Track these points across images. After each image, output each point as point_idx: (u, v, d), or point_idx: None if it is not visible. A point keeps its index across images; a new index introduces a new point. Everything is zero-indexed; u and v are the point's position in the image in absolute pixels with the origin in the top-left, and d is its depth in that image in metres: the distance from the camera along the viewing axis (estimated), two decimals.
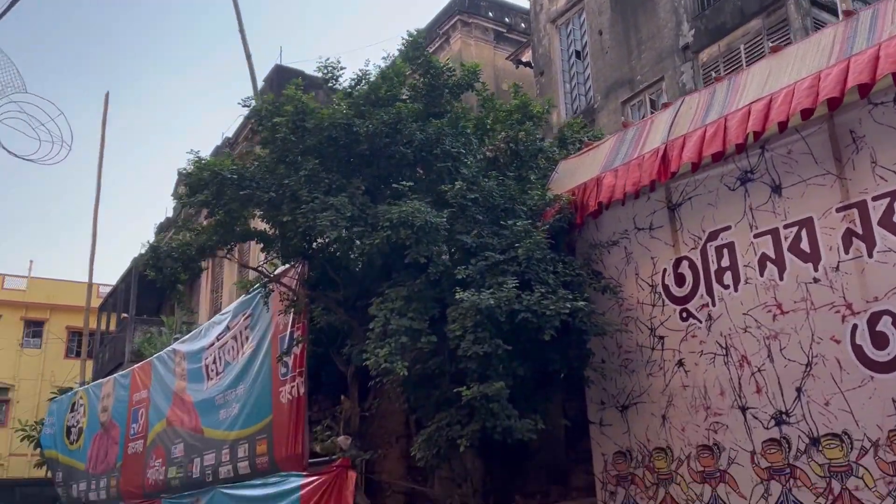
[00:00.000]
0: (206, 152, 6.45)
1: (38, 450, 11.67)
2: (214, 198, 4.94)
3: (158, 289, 22.55)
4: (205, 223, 6.61)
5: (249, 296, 6.55)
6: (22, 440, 13.63)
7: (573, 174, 4.81)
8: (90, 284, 15.76)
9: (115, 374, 9.93)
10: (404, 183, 4.36)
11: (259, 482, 6.03)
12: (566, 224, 4.55)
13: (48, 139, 8.19)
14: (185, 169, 5.39)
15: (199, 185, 5.06)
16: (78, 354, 35.35)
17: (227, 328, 6.88)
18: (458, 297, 3.89)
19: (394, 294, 4.29)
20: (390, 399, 5.46)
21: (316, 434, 5.14)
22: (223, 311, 7.32)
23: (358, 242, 4.32)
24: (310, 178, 4.61)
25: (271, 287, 5.69)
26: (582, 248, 4.72)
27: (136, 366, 9.37)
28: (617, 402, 4.53)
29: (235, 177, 4.82)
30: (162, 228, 25.03)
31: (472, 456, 5.35)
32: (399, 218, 4.12)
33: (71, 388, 12.22)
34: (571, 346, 4.28)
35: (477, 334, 3.87)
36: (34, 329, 35.13)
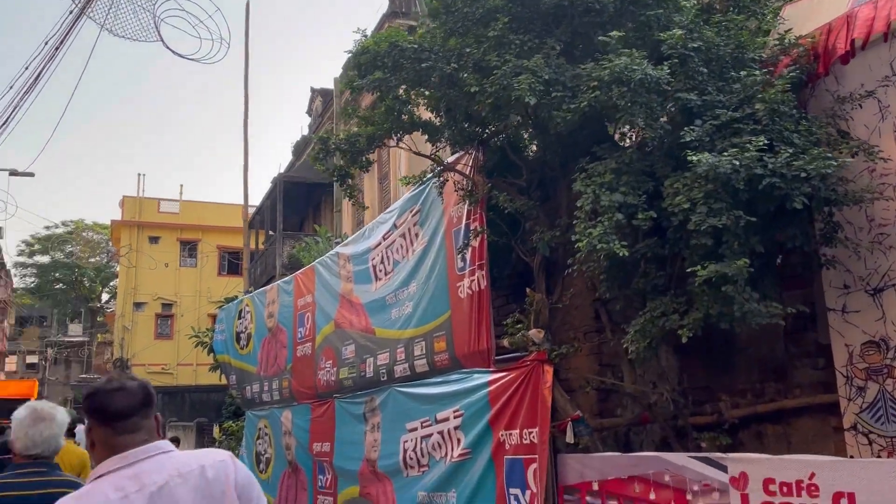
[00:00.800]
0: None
1: (212, 355, 12.34)
2: (391, 73, 4.56)
3: (300, 205, 23.12)
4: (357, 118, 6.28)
5: (417, 191, 6.24)
6: (196, 346, 14.55)
7: (807, 18, 4.02)
8: (246, 196, 16.18)
9: (277, 282, 10.13)
10: (613, 33, 3.77)
11: (439, 380, 5.85)
12: (804, 76, 3.81)
13: (207, 37, 8.12)
14: (358, 45, 5.01)
15: (374, 61, 4.68)
16: (230, 271, 37.69)
17: (394, 226, 6.65)
18: (692, 159, 3.32)
19: (601, 168, 3.79)
20: (578, 290, 5.05)
21: (506, 327, 4.81)
22: (388, 210, 7.08)
23: (555, 112, 3.82)
24: (498, 41, 4.11)
25: (445, 177, 5.33)
26: (822, 104, 3.97)
27: (298, 272, 9.48)
28: (867, 284, 3.85)
29: (415, 46, 4.40)
30: (298, 147, 25.57)
31: (666, 351, 4.89)
32: (610, 75, 3.56)
33: (236, 297, 12.73)
34: (813, 220, 3.65)
35: (710, 205, 3.31)
36: (189, 249, 37.63)
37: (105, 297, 57.07)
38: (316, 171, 22.07)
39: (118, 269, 50.17)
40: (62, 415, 3.09)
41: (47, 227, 51.39)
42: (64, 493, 2.70)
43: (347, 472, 7.36)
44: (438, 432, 5.72)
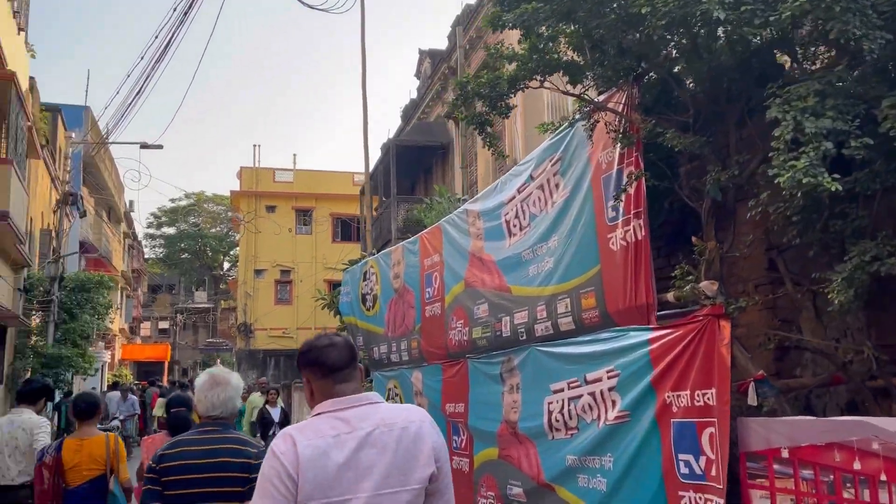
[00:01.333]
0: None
1: (338, 316, 12.49)
2: (544, 2, 4.17)
3: (411, 169, 23.02)
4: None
5: (556, 139, 5.83)
6: (322, 308, 14.83)
7: None
8: (366, 152, 16.14)
9: (402, 242, 10.01)
10: None
11: (587, 338, 5.48)
12: None
13: None
14: None
15: None
16: (343, 238, 38.55)
17: (531, 178, 6.27)
18: None
19: (802, 90, 3.26)
20: (754, 238, 4.53)
21: (675, 280, 4.37)
22: (523, 161, 6.70)
23: (746, 29, 3.32)
24: None
25: (595, 118, 4.90)
26: None
27: (423, 231, 9.30)
28: None
29: None
30: (407, 112, 25.51)
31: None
32: None
33: (361, 258, 12.79)
34: None
35: None
36: (304, 217, 38.72)
37: (226, 265, 60.03)
38: (426, 134, 21.96)
39: (238, 238, 52.58)
40: (236, 379, 3.39)
41: (172, 200, 54.40)
42: (234, 450, 3.17)
43: (484, 433, 7.17)
44: (589, 393, 5.37)
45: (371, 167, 24.34)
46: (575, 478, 5.62)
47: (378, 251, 20.27)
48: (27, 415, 5.66)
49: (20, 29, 15.45)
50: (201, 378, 3.40)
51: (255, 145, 64.21)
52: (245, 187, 37.52)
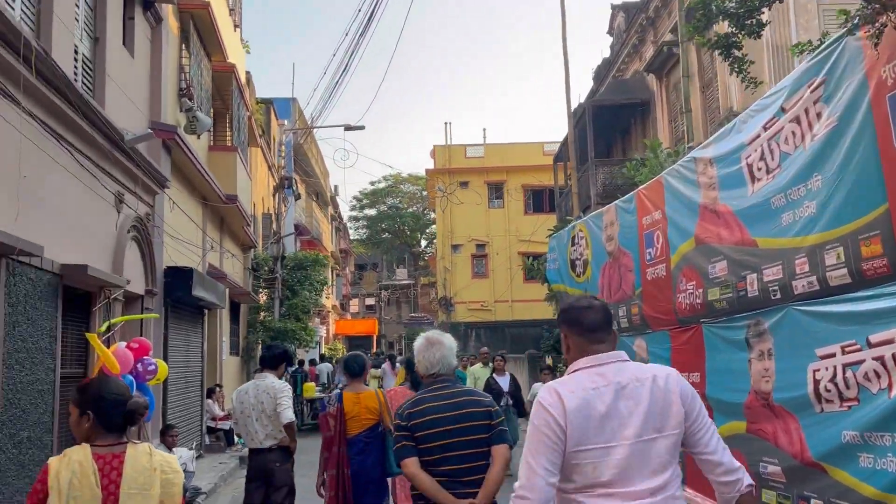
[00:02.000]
0: None
1: (546, 284, 12.14)
2: None
3: (607, 132, 21.93)
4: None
5: (815, 60, 4.93)
6: (530, 277, 14.59)
7: None
8: (569, 110, 15.62)
9: (615, 202, 9.38)
10: None
11: (869, 293, 4.59)
12: None
13: None
14: None
15: None
16: (535, 209, 38.18)
17: (781, 111, 5.40)
18: None
19: None
20: None
21: None
22: (766, 95, 5.81)
23: None
24: None
25: (882, 21, 4.00)
26: None
27: (640, 188, 8.60)
28: None
29: None
30: (599, 73, 24.43)
31: None
32: None
33: (567, 224, 12.31)
34: None
35: None
36: (496, 191, 38.83)
37: (423, 242, 62.23)
38: (623, 92, 20.85)
39: (433, 216, 54.18)
40: (449, 339, 3.76)
41: (371, 184, 57.24)
42: (475, 400, 3.49)
43: (727, 405, 6.42)
44: (874, 358, 4.50)
45: (563, 135, 23.65)
46: (854, 457, 4.77)
47: (578, 218, 19.66)
48: (270, 380, 5.88)
49: (235, 25, 16.64)
50: (418, 341, 3.80)
51: (446, 123, 65.62)
52: (439, 165, 38.32)
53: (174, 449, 8.90)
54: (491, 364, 12.52)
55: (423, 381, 3.73)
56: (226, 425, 13.92)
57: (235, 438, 14.04)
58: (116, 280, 8.16)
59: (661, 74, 18.28)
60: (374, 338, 50.34)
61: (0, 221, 5.70)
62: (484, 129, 72.03)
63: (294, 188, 19.76)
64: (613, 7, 23.65)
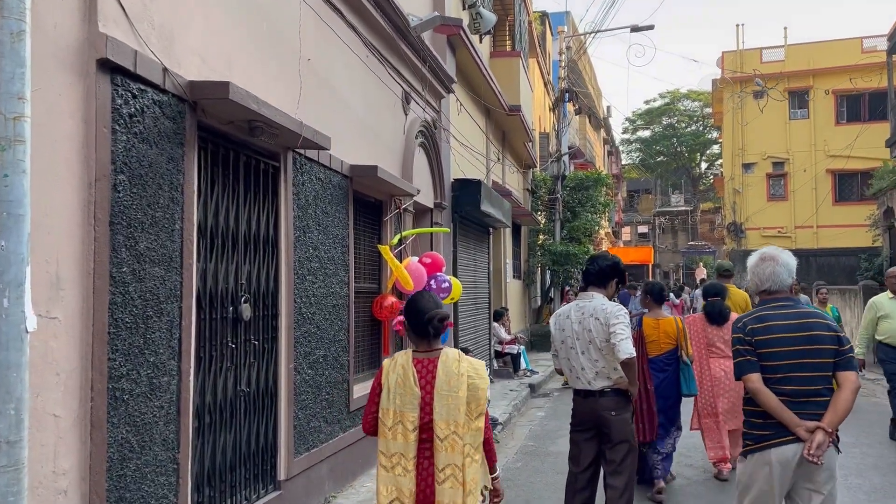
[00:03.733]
0: None
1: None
2: None
3: None
4: None
5: None
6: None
7: None
8: None
9: None
10: None
11: None
12: None
13: None
14: None
15: None
16: (850, 119, 32.38)
17: None
18: None
19: None
20: None
21: None
22: None
23: None
24: None
25: None
26: None
27: None
28: None
29: None
30: None
31: None
32: None
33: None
34: None
35: None
36: (798, 100, 33.60)
37: (704, 165, 57.12)
38: None
39: (716, 135, 49.01)
40: (786, 256, 3.58)
41: (646, 102, 53.37)
42: (823, 323, 3.37)
43: None
44: None
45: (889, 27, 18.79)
46: None
47: None
48: (598, 300, 4.47)
49: None
50: (752, 258, 3.66)
51: (737, 25, 58.59)
52: (728, 73, 33.90)
53: None
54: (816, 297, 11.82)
55: (759, 297, 3.60)
56: (513, 349, 13.14)
57: (522, 363, 13.23)
58: (407, 188, 7.29)
59: None
60: (650, 267, 47.67)
61: (283, 105, 4.90)
62: (785, 29, 62.11)
63: (576, 99, 18.09)
64: None
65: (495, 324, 13.22)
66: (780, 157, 33.12)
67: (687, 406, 6.49)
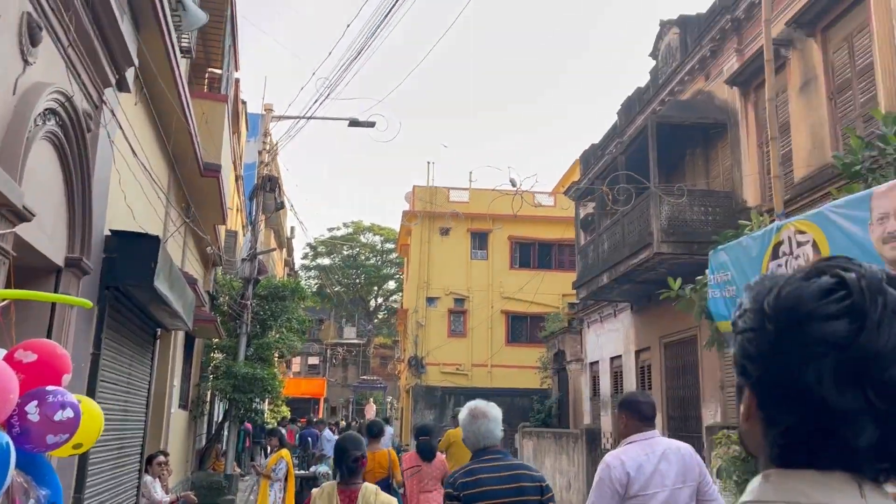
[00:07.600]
0: None
1: (710, 322, 7.75)
2: None
3: (644, 165, 17.62)
4: None
5: None
6: (700, 316, 9.88)
7: None
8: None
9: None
10: None
11: None
12: None
13: None
14: None
15: None
16: (522, 265, 34.23)
17: None
18: None
19: None
20: None
21: None
22: None
23: None
24: None
25: None
26: None
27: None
28: None
29: None
30: (630, 106, 20.95)
31: None
32: None
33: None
34: None
35: None
36: (480, 240, 34.87)
37: (379, 299, 57.21)
38: (691, 112, 17.29)
39: (396, 269, 49.34)
40: (494, 410, 3.80)
41: (329, 230, 52.35)
42: (528, 475, 3.66)
43: None
44: None
45: (577, 174, 19.84)
46: None
47: (625, 261, 15.65)
48: None
49: None
50: (462, 413, 3.84)
51: (428, 162, 61.44)
52: (418, 206, 34.05)
53: None
54: None
55: (473, 452, 3.77)
56: None
57: None
58: (3, 187, 3.40)
59: (749, 89, 14.78)
60: (322, 401, 44.64)
61: None
62: (470, 173, 66.71)
63: (278, 193, 15.03)
64: (663, 24, 20.30)
65: (147, 476, 8.74)
66: (462, 293, 33.49)
67: None
